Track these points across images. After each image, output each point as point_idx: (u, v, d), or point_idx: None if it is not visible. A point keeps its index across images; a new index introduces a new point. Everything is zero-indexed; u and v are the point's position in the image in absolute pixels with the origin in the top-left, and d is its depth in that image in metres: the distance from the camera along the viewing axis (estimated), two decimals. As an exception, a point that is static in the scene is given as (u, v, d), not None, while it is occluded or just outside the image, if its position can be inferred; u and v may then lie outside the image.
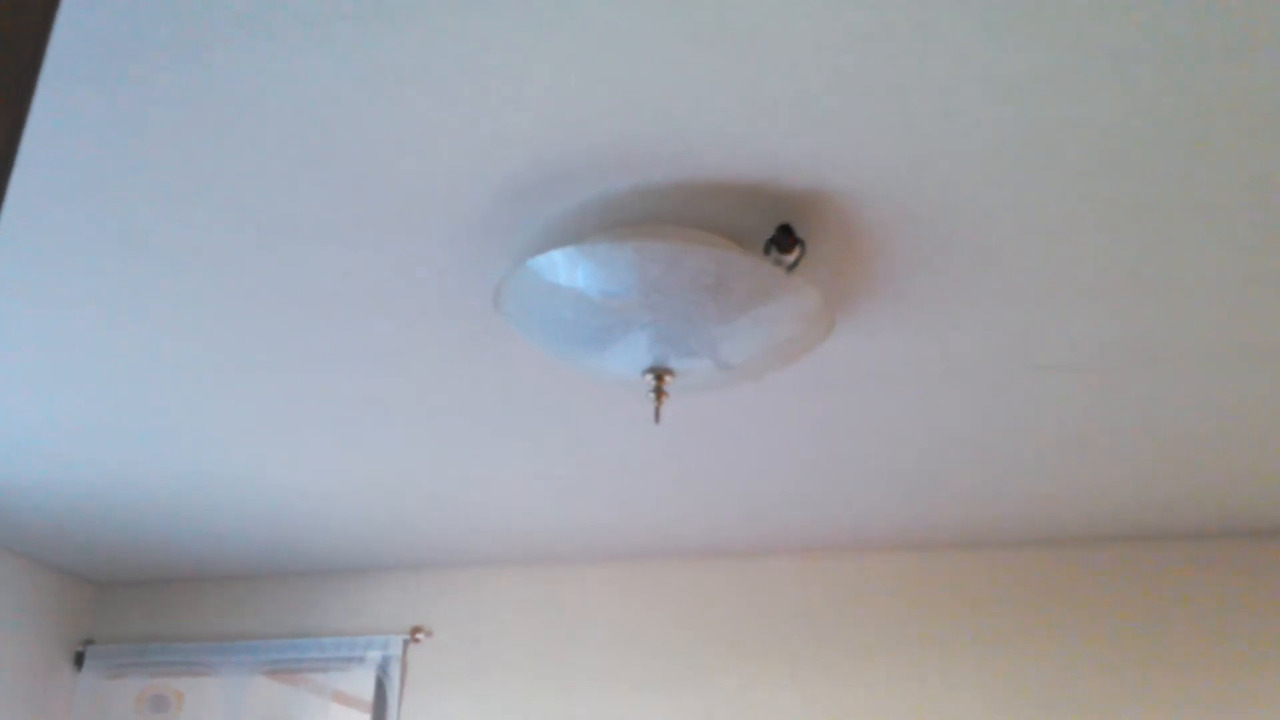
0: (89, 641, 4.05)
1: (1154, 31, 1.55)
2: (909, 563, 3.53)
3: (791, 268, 1.97)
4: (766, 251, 1.96)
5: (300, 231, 2.06)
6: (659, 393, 2.10)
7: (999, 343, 2.35)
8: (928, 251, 2.05)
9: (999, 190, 1.88)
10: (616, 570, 3.72)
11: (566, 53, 1.61)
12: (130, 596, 4.12)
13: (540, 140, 1.79)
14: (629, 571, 3.71)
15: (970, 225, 1.97)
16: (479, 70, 1.65)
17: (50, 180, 1.94)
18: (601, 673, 3.61)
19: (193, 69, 1.66)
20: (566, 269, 1.91)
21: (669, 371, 2.09)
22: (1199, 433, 2.70)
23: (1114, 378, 2.46)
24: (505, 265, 2.12)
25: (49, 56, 1.63)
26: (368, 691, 3.73)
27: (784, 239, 1.93)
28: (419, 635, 3.78)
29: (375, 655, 3.76)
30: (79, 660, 4.01)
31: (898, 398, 2.59)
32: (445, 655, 3.75)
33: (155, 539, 3.68)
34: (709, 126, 1.75)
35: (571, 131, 1.77)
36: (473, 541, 3.61)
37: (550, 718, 3.59)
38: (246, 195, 1.96)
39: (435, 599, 3.83)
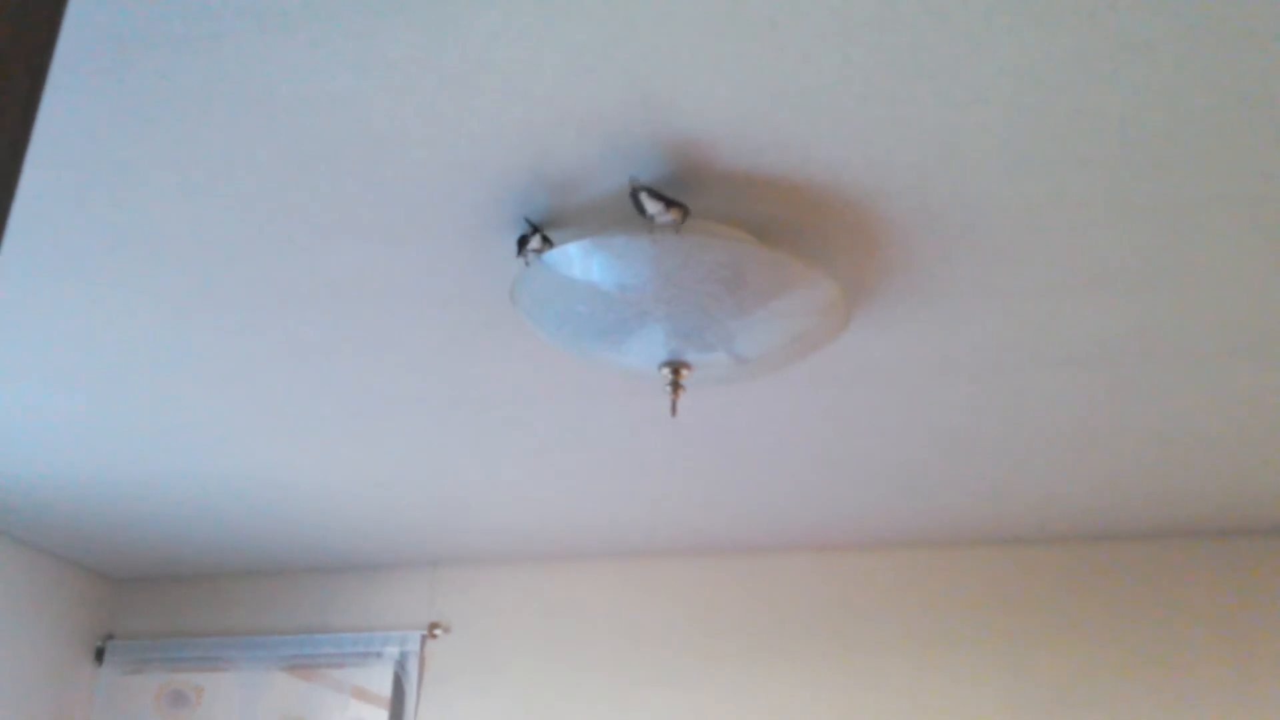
0: (109, 637, 4.06)
1: (1173, 20, 1.53)
2: (920, 560, 3.51)
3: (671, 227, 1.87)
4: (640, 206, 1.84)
5: (314, 225, 2.05)
6: (676, 386, 2.09)
7: (1014, 337, 2.33)
8: (942, 244, 2.03)
9: (1014, 182, 1.86)
10: (631, 567, 3.72)
11: (578, 45, 1.60)
12: (150, 592, 4.14)
13: (553, 133, 1.78)
14: (644, 568, 3.71)
15: (985, 218, 1.96)
16: (490, 63, 1.64)
17: (63, 176, 1.94)
18: (616, 668, 3.61)
19: (204, 63, 1.66)
20: (582, 262, 1.91)
21: (685, 365, 2.08)
22: (1217, 429, 2.67)
23: (1130, 373, 2.44)
24: (520, 259, 2.11)
25: (59, 50, 1.62)
26: (386, 687, 3.74)
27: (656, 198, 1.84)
28: (436, 631, 3.78)
29: (393, 651, 3.76)
30: (99, 656, 4.02)
31: (910, 392, 2.57)
32: (463, 651, 3.75)
33: (175, 535, 3.69)
34: (723, 119, 1.73)
35: (584, 124, 1.76)
36: (489, 538, 3.61)
37: (566, 713, 3.59)
38: (257, 190, 1.95)
39: (452, 595, 3.83)
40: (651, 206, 1.82)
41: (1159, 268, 2.08)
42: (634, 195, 1.83)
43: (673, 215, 1.83)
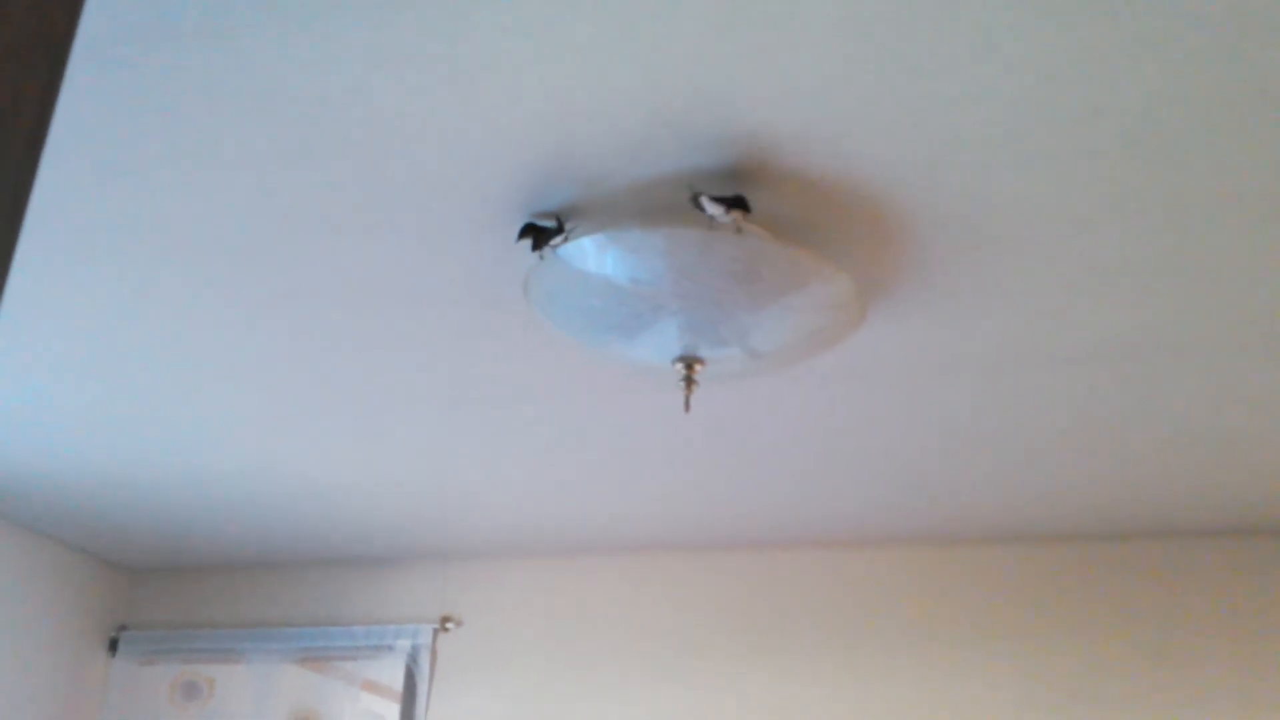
0: (123, 628, 4.08)
1: (1184, 15, 1.52)
2: (928, 557, 3.50)
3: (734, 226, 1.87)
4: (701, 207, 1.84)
5: (326, 220, 2.05)
6: (689, 381, 2.09)
7: (1026, 334, 2.32)
8: (954, 240, 2.03)
9: (1025, 179, 1.85)
10: (642, 562, 3.72)
11: (588, 39, 1.60)
12: (164, 584, 4.15)
13: (564, 127, 1.78)
14: (654, 563, 3.71)
15: (998, 212, 1.95)
16: (501, 57, 1.64)
17: (76, 169, 1.94)
18: (626, 662, 3.61)
19: (217, 57, 1.66)
20: (596, 256, 1.90)
21: (699, 360, 2.08)
22: (1229, 427, 2.66)
23: (1141, 370, 2.43)
24: (535, 253, 2.11)
25: (73, 44, 1.63)
26: (397, 680, 3.74)
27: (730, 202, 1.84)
28: (448, 624, 3.78)
29: (405, 644, 3.77)
30: (113, 646, 4.04)
31: (922, 389, 2.57)
32: (474, 644, 3.76)
33: (188, 527, 3.71)
34: (734, 113, 1.73)
35: (595, 118, 1.76)
36: (501, 532, 3.62)
37: (576, 705, 3.59)
38: (269, 183, 1.96)
39: (465, 588, 3.84)
40: (712, 208, 1.82)
41: (1170, 264, 2.07)
42: (694, 200, 1.83)
43: (734, 216, 1.82)
